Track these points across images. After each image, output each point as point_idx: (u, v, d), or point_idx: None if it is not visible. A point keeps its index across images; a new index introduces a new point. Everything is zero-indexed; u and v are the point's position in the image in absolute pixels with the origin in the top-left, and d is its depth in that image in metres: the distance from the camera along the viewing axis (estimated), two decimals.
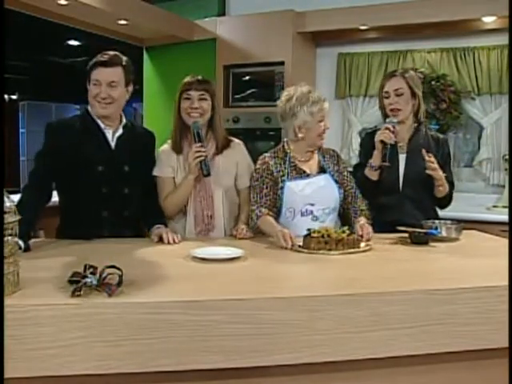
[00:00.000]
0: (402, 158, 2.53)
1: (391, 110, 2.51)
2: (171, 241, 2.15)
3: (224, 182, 2.39)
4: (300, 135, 2.32)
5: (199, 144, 2.28)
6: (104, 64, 2.20)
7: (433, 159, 2.39)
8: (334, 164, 2.40)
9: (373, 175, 2.47)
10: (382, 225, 2.33)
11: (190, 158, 2.27)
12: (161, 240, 2.16)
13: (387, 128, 2.43)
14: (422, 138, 2.56)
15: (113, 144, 2.27)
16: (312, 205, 2.31)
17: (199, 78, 2.40)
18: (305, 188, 2.32)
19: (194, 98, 2.33)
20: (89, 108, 2.30)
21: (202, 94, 2.34)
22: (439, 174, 2.42)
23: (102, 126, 2.26)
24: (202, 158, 2.25)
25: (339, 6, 3.92)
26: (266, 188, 2.32)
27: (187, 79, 2.39)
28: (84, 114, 2.31)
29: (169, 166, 2.37)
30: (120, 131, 2.29)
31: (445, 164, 2.53)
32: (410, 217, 2.39)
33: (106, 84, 2.19)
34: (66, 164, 2.18)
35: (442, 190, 2.48)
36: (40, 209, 2.14)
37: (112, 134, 2.27)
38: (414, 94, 2.52)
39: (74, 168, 2.20)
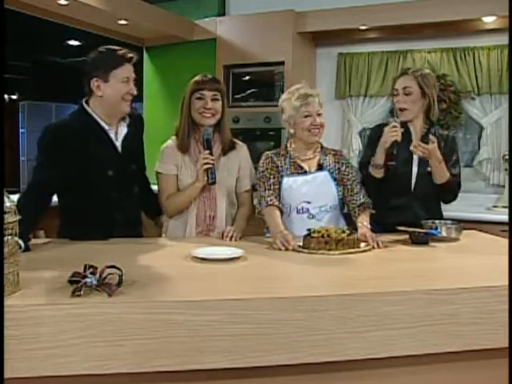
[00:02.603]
0: (415, 159, 2.49)
1: (399, 109, 2.49)
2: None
3: (227, 183, 2.38)
4: (291, 130, 2.36)
5: (208, 151, 2.27)
6: (130, 60, 2.15)
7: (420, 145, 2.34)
8: (335, 162, 2.40)
9: (378, 173, 2.42)
10: (389, 226, 2.30)
11: (198, 165, 2.26)
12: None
13: (395, 126, 2.37)
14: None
15: (118, 144, 2.20)
16: (308, 202, 2.31)
17: (210, 77, 2.38)
18: (302, 185, 2.33)
19: (208, 98, 2.31)
20: (86, 107, 2.16)
21: (215, 95, 2.32)
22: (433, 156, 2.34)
23: (106, 127, 2.18)
24: (209, 166, 2.24)
25: (339, 6, 3.92)
26: (274, 178, 2.33)
27: (198, 78, 2.36)
28: (82, 114, 2.18)
29: (173, 163, 2.35)
30: (125, 130, 2.23)
31: (449, 160, 2.49)
32: (417, 218, 2.36)
33: (133, 81, 2.16)
34: (71, 171, 2.09)
35: (437, 176, 2.41)
36: (38, 217, 2.06)
37: (115, 134, 2.20)
38: (424, 94, 2.48)
39: (81, 174, 2.11)
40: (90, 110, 2.17)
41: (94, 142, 2.14)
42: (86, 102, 2.19)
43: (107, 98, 2.13)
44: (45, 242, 2.14)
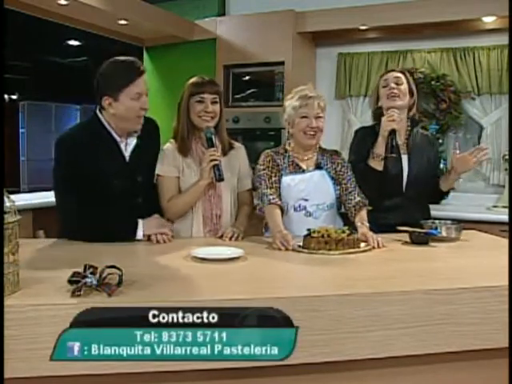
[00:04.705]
0: (405, 159, 2.51)
1: (389, 95, 2.46)
2: (161, 241, 2.13)
3: (230, 181, 2.37)
4: (290, 130, 2.37)
5: (213, 149, 2.25)
6: (141, 74, 2.10)
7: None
8: (332, 163, 2.40)
9: (379, 165, 2.40)
10: (381, 227, 2.30)
11: (204, 162, 2.24)
12: (148, 239, 2.14)
13: (391, 115, 2.37)
14: (419, 138, 2.57)
15: (127, 155, 2.19)
16: (305, 200, 2.32)
17: (208, 79, 2.36)
18: (299, 183, 2.33)
19: (208, 102, 2.28)
20: (100, 116, 2.16)
21: (215, 98, 2.30)
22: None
23: (118, 139, 2.17)
24: (217, 162, 2.23)
25: (339, 6, 3.92)
26: (275, 176, 2.33)
27: (196, 80, 2.34)
28: (94, 123, 2.17)
29: (173, 165, 2.32)
30: (134, 141, 2.21)
31: (439, 162, 2.53)
32: (411, 218, 2.35)
33: (146, 94, 2.11)
34: (81, 178, 2.08)
35: (448, 184, 2.53)
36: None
37: (125, 145, 2.19)
38: (410, 91, 2.51)
39: (89, 182, 2.09)
40: (103, 120, 2.16)
41: (104, 153, 2.14)
42: (100, 111, 2.17)
43: (119, 116, 2.12)
44: (45, 242, 2.14)
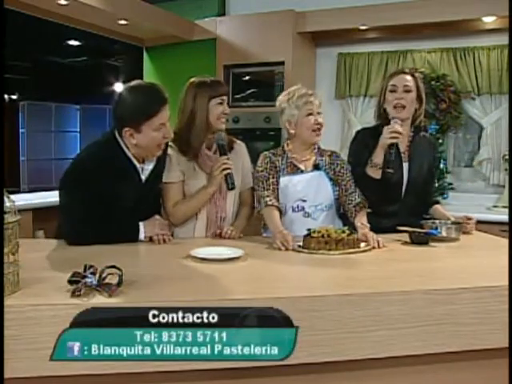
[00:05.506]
0: (405, 167, 2.47)
1: (395, 106, 2.39)
2: (162, 242, 2.12)
3: (236, 183, 2.34)
4: (292, 131, 2.35)
5: (226, 157, 2.23)
6: (167, 102, 2.04)
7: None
8: (331, 163, 2.39)
9: (377, 174, 2.35)
10: (381, 231, 2.28)
11: (217, 170, 2.21)
12: (150, 240, 2.13)
13: (394, 127, 2.29)
14: (420, 144, 2.51)
15: (143, 178, 2.17)
16: (304, 201, 2.32)
17: (217, 79, 2.36)
18: (297, 184, 2.33)
19: (225, 103, 2.29)
20: (119, 140, 2.08)
21: (227, 98, 2.32)
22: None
23: (138, 165, 2.13)
24: (230, 171, 2.21)
25: (339, 6, 3.93)
26: (273, 178, 2.33)
27: (209, 80, 2.29)
28: (113, 146, 2.09)
29: (178, 170, 2.29)
30: (152, 164, 2.18)
31: (436, 167, 2.50)
32: (406, 224, 2.31)
33: (168, 121, 2.05)
34: (95, 197, 2.02)
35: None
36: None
37: (141, 169, 2.16)
38: (419, 98, 2.44)
39: (103, 202, 2.04)
40: (122, 146, 2.10)
41: (121, 177, 2.09)
42: (120, 135, 2.09)
43: (140, 145, 2.07)
44: (45, 242, 2.14)
